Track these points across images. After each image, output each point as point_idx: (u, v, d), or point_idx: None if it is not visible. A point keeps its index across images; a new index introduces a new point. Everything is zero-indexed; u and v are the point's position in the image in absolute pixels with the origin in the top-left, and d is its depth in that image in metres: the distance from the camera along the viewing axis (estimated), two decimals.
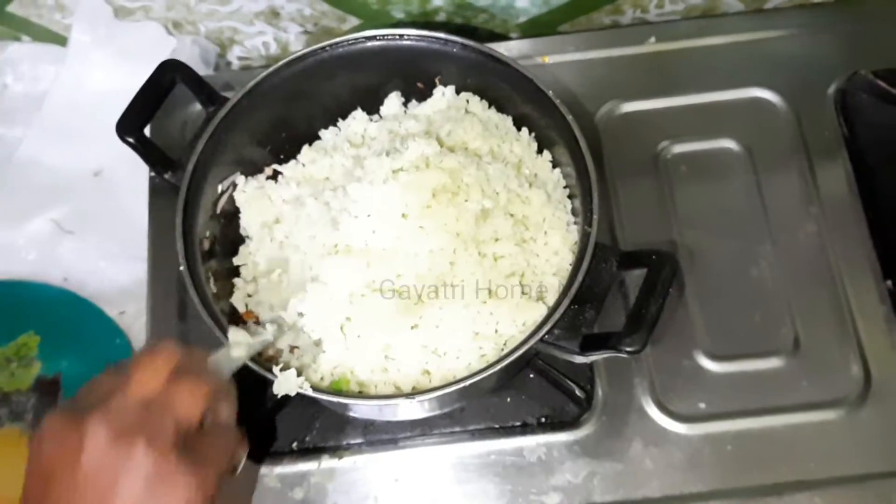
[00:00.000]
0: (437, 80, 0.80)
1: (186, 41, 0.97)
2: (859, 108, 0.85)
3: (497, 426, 0.76)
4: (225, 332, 0.67)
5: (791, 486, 0.73)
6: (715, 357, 0.77)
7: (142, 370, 0.58)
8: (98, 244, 0.92)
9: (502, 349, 0.69)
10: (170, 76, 0.76)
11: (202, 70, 0.97)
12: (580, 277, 0.67)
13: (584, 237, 0.69)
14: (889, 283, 0.79)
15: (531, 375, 0.77)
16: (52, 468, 0.55)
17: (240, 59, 1.02)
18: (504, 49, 0.89)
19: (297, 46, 0.99)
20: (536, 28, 0.97)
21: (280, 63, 0.76)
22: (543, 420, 0.76)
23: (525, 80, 0.75)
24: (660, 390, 0.76)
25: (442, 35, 0.76)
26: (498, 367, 0.64)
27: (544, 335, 0.66)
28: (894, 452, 0.74)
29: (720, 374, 0.77)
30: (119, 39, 0.96)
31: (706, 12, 0.96)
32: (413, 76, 0.80)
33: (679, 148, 0.86)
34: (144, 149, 0.75)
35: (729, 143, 0.86)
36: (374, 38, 0.77)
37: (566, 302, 0.66)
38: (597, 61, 0.90)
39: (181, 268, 0.69)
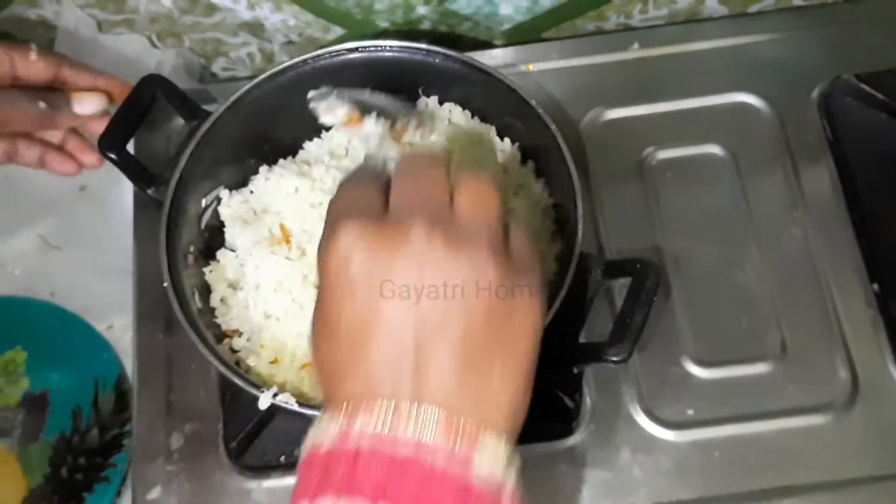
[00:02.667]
0: (420, 91, 0.80)
1: (170, 53, 0.97)
2: (843, 112, 0.85)
3: None
4: (210, 348, 0.67)
5: (779, 491, 0.73)
6: (702, 363, 0.77)
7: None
8: (85, 258, 0.92)
9: None
10: (150, 91, 0.76)
11: (187, 82, 0.96)
12: (565, 287, 0.67)
13: (569, 247, 0.69)
14: (875, 286, 0.79)
15: None
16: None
17: (224, 70, 1.02)
18: (488, 57, 0.90)
19: (282, 57, 0.99)
20: (521, 35, 0.96)
21: (262, 76, 0.76)
22: (531, 429, 0.76)
23: (508, 90, 0.75)
24: (648, 398, 0.76)
25: (423, 46, 0.76)
26: None
27: None
28: (883, 456, 0.74)
29: (708, 380, 0.77)
30: (103, 52, 0.95)
31: (690, 17, 0.96)
32: (396, 87, 0.80)
33: (664, 154, 0.86)
34: (127, 165, 0.75)
35: (713, 149, 0.86)
36: (356, 49, 0.77)
37: (552, 312, 0.66)
38: (581, 68, 0.90)
39: (165, 284, 0.69)
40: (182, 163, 0.73)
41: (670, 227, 0.82)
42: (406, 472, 0.40)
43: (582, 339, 0.68)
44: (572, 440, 0.75)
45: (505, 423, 0.44)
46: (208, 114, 0.75)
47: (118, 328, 0.89)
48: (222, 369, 0.66)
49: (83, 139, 0.73)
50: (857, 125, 0.85)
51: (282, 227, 0.74)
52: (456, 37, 0.97)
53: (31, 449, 0.84)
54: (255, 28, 0.94)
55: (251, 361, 0.70)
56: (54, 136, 0.74)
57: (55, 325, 0.89)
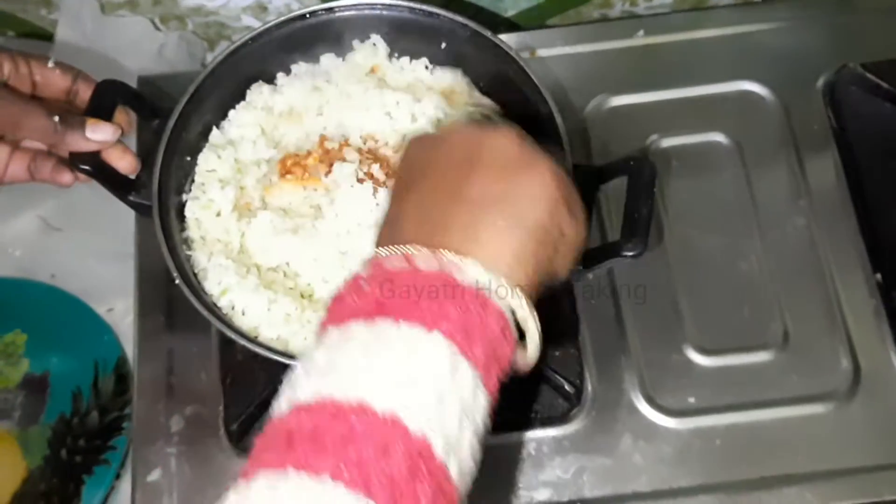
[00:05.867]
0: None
1: (173, 36, 0.96)
2: (848, 101, 0.85)
3: None
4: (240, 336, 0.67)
5: (780, 479, 0.73)
6: (704, 351, 0.77)
7: None
8: (86, 241, 0.92)
9: None
10: (110, 98, 0.73)
11: (189, 65, 0.96)
12: None
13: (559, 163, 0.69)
14: (878, 276, 0.79)
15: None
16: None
17: None
18: None
19: None
20: (526, 22, 0.96)
21: (213, 63, 0.75)
22: (533, 416, 0.76)
23: (461, 26, 0.75)
24: (649, 385, 0.76)
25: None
26: None
27: None
28: (884, 446, 0.74)
29: (709, 368, 0.77)
30: (106, 35, 0.95)
31: (695, 5, 0.95)
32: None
33: (668, 142, 0.85)
34: (103, 175, 0.72)
35: (718, 137, 0.85)
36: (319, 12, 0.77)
37: None
38: (585, 55, 0.89)
39: (176, 281, 0.68)
40: (158, 162, 0.71)
41: (674, 214, 0.82)
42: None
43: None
44: (573, 427, 0.75)
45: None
46: (169, 110, 0.74)
47: (119, 311, 0.89)
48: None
49: None
50: (862, 115, 0.85)
51: None
52: None
53: (31, 431, 0.84)
54: (259, 11, 0.94)
55: None
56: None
57: (55, 307, 0.89)
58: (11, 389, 0.86)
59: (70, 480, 0.82)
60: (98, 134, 0.70)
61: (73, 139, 0.70)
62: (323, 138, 0.75)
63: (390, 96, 0.75)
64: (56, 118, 0.68)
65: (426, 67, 0.79)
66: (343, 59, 0.79)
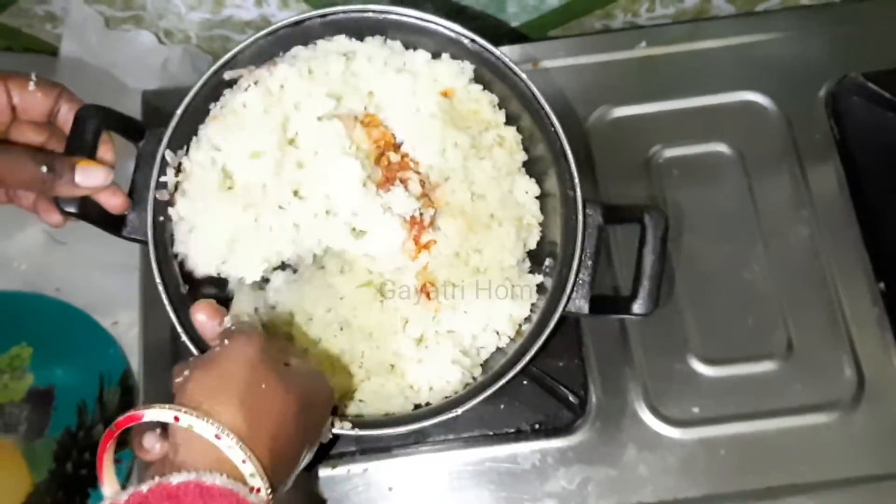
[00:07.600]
0: None
1: (178, 50, 0.97)
2: (850, 111, 0.85)
3: (491, 433, 0.76)
4: None
5: (785, 489, 0.73)
6: (708, 361, 0.77)
7: None
8: (90, 255, 0.92)
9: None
10: (93, 125, 0.68)
11: (193, 79, 0.96)
12: (579, 244, 0.68)
13: (570, 203, 0.69)
14: (881, 285, 0.79)
15: (525, 382, 0.76)
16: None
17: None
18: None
19: None
20: (528, 33, 0.97)
21: (199, 83, 0.74)
22: (537, 426, 0.76)
23: (465, 38, 0.75)
24: (653, 395, 0.76)
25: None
26: (544, 335, 0.67)
27: (566, 303, 0.67)
28: (888, 455, 0.74)
29: (713, 378, 0.77)
30: (110, 49, 0.96)
31: (697, 16, 0.96)
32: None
33: (671, 152, 0.86)
34: (88, 215, 0.69)
35: (721, 147, 0.86)
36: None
37: (574, 268, 0.67)
38: (588, 66, 0.90)
39: (174, 322, 0.69)
40: (151, 196, 0.69)
41: (677, 224, 0.82)
42: None
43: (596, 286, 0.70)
44: (578, 437, 0.76)
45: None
46: (158, 131, 0.71)
47: (123, 324, 0.89)
48: None
49: None
50: (864, 124, 0.85)
51: None
52: None
53: (37, 444, 0.85)
54: (262, 25, 0.94)
55: None
56: None
57: (60, 320, 0.90)
58: (17, 403, 0.86)
59: (76, 494, 0.83)
60: (89, 179, 0.66)
61: (62, 187, 0.65)
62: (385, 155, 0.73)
63: (451, 135, 0.72)
64: (44, 168, 0.64)
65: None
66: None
